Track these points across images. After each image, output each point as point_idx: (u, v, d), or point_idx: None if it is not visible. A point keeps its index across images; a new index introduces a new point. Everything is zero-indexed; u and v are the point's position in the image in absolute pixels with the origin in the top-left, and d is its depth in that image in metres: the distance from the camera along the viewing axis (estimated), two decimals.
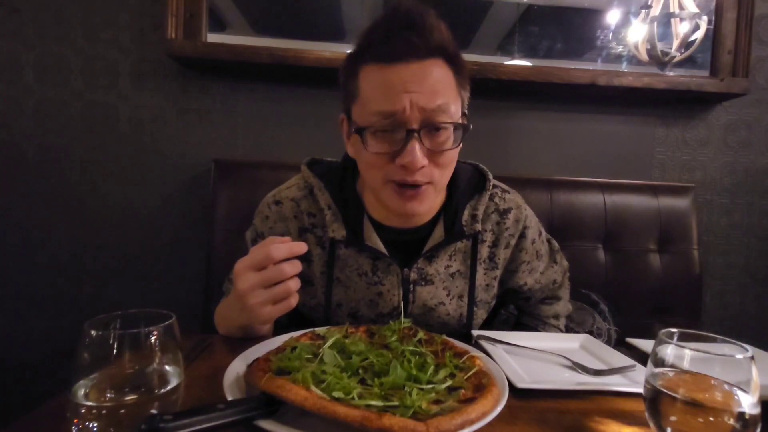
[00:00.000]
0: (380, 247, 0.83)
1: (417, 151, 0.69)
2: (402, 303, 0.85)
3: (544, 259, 0.98)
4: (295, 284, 0.68)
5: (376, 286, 0.84)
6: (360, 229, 0.83)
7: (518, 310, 1.10)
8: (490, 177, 0.91)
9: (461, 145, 0.76)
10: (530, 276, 0.96)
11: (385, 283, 0.84)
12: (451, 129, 0.72)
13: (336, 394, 0.49)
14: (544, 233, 1.00)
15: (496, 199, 0.90)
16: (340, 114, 0.81)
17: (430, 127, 0.70)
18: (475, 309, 0.89)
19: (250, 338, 0.75)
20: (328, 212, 0.83)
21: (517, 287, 0.97)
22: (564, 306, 1.06)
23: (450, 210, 0.84)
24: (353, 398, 0.49)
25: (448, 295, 0.86)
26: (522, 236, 0.91)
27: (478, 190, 0.88)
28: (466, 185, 0.88)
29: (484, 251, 0.88)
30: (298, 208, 0.87)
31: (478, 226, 0.85)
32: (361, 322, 0.85)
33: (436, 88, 0.69)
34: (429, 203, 0.77)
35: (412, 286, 0.84)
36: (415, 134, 0.69)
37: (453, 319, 0.88)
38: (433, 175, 0.73)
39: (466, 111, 0.78)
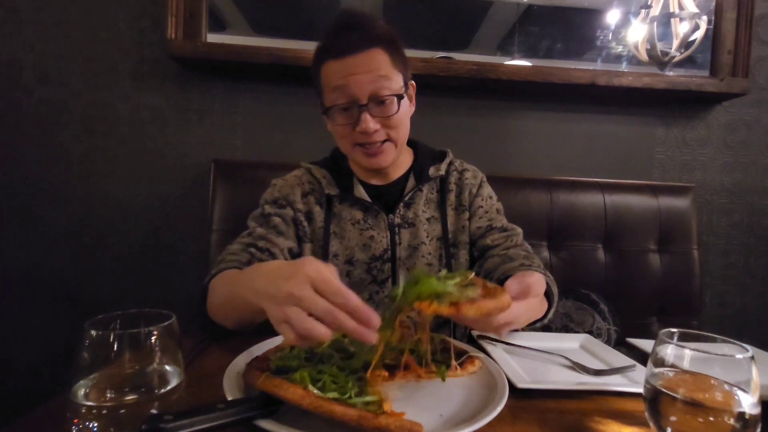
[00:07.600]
0: (367, 197, 1.00)
1: (369, 121, 0.88)
2: (390, 247, 0.99)
3: (501, 212, 1.08)
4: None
5: (367, 231, 0.99)
6: (351, 187, 1.01)
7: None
8: (450, 153, 1.09)
9: (413, 108, 0.98)
10: (485, 220, 1.04)
11: (374, 228, 0.99)
12: (395, 99, 0.90)
13: (330, 394, 0.49)
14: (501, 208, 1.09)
15: (456, 163, 1.09)
16: (318, 99, 0.98)
17: (376, 100, 0.89)
18: (453, 250, 1.02)
19: (246, 330, 0.75)
20: (323, 180, 1.01)
21: (479, 233, 1.03)
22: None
23: (417, 166, 1.05)
24: (350, 397, 0.49)
25: (427, 237, 1.01)
26: (480, 186, 1.07)
27: (439, 159, 1.08)
28: (428, 153, 1.08)
29: (451, 198, 1.04)
30: (300, 180, 1.04)
31: (442, 172, 1.04)
32: (356, 266, 0.97)
33: (377, 69, 0.88)
34: (391, 156, 0.95)
35: (397, 229, 0.99)
36: (365, 108, 0.88)
37: (434, 258, 1.00)
38: (389, 134, 0.92)
39: (409, 83, 0.96)
